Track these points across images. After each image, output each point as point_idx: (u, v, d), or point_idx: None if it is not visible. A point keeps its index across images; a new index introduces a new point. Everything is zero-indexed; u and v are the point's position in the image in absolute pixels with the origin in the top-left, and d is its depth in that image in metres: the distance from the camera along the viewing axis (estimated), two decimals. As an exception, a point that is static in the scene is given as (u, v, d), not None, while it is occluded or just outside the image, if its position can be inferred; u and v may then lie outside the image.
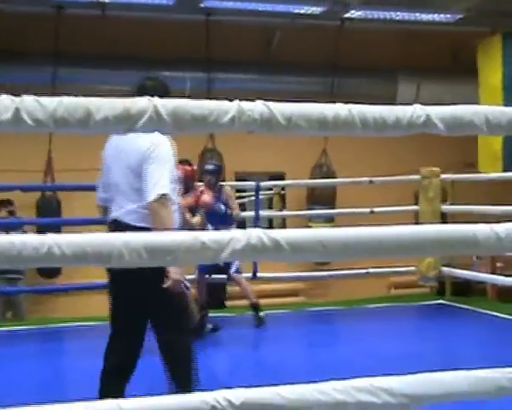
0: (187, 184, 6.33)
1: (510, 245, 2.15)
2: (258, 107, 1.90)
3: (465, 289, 9.25)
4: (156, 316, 3.50)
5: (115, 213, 3.49)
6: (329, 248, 2.00)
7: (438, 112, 2.07)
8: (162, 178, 3.31)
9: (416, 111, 2.04)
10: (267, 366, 5.80)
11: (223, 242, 1.91)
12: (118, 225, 3.42)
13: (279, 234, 1.97)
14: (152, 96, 1.89)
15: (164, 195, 3.28)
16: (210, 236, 1.93)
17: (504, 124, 2.13)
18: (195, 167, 6.88)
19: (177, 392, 3.16)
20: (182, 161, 6.73)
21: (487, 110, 2.14)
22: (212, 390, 1.99)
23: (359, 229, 2.07)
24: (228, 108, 1.89)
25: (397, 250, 2.07)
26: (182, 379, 3.46)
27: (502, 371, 2.22)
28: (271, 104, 1.92)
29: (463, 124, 2.10)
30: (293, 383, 2.07)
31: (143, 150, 3.36)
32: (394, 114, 2.01)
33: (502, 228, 2.15)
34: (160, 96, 1.90)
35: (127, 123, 1.83)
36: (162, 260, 1.97)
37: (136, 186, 3.39)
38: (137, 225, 3.36)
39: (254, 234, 1.94)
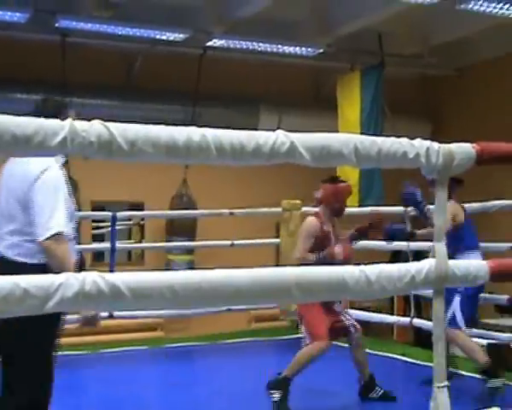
0: (332, 206, 5.31)
1: (382, 290, 1.96)
2: (94, 127, 1.59)
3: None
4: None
5: None
6: (181, 294, 1.71)
7: (304, 140, 1.83)
8: (56, 212, 2.92)
9: (280, 138, 1.79)
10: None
11: (50, 288, 1.57)
12: None
13: (119, 278, 1.65)
14: None
15: (58, 234, 2.90)
16: (33, 281, 1.58)
17: (374, 155, 1.94)
18: (342, 185, 5.45)
19: None
20: (334, 179, 5.56)
21: (357, 140, 1.94)
22: None
23: (215, 272, 1.78)
24: (58, 127, 1.56)
25: (258, 296, 1.81)
26: None
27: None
28: (111, 125, 1.61)
29: (332, 154, 1.88)
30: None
31: (31, 177, 2.98)
32: (255, 141, 1.76)
33: (372, 271, 1.95)
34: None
35: None
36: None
37: (22, 217, 3.01)
38: (23, 260, 2.97)
39: (89, 278, 1.62)
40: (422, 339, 8.26)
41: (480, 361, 5.24)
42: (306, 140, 1.84)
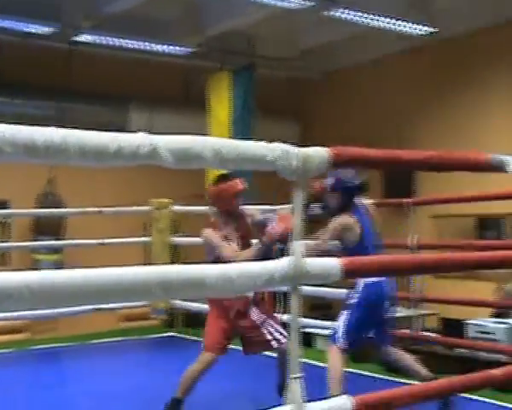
0: (220, 208, 4.92)
1: (242, 287, 2.05)
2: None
3: (196, 320, 9.33)
4: None
5: None
6: (38, 294, 1.71)
7: (166, 142, 1.88)
8: None
9: (142, 140, 1.83)
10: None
11: None
12: None
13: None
14: None
15: None
16: None
17: (234, 157, 2.02)
18: (223, 185, 4.95)
19: None
20: (219, 179, 5.04)
21: (218, 143, 2.01)
22: None
23: (72, 271, 1.79)
24: None
25: (119, 295, 1.84)
26: None
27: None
28: (-33, 124, 1.59)
29: (193, 156, 1.94)
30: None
31: None
32: (117, 143, 1.78)
33: (233, 270, 2.03)
34: None
35: None
36: None
37: None
38: None
39: None
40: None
41: (332, 392, 4.58)
42: (169, 142, 1.89)
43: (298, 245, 2.15)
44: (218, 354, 4.84)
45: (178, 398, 4.78)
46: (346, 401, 2.33)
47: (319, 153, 2.24)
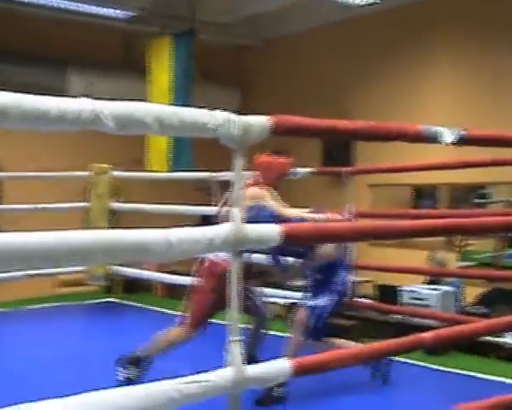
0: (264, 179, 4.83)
1: (182, 252, 2.07)
2: None
3: (134, 286, 9.36)
4: None
5: None
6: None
7: (109, 108, 1.88)
8: None
9: (85, 105, 1.83)
10: None
11: None
12: None
13: None
14: None
15: None
16: None
17: (176, 124, 2.04)
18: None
19: None
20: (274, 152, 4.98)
21: (160, 109, 2.02)
22: None
23: (13, 235, 1.79)
24: None
25: (61, 259, 1.84)
26: None
27: (170, 383, 2.12)
28: None
29: (135, 122, 1.95)
30: None
31: None
32: (59, 107, 1.78)
33: (174, 235, 2.06)
34: None
35: None
36: None
37: None
38: None
39: None
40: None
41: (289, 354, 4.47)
42: (111, 108, 1.90)
43: (238, 211, 2.19)
44: (195, 333, 4.66)
45: (139, 356, 4.61)
46: (284, 363, 2.40)
47: (260, 121, 2.28)
